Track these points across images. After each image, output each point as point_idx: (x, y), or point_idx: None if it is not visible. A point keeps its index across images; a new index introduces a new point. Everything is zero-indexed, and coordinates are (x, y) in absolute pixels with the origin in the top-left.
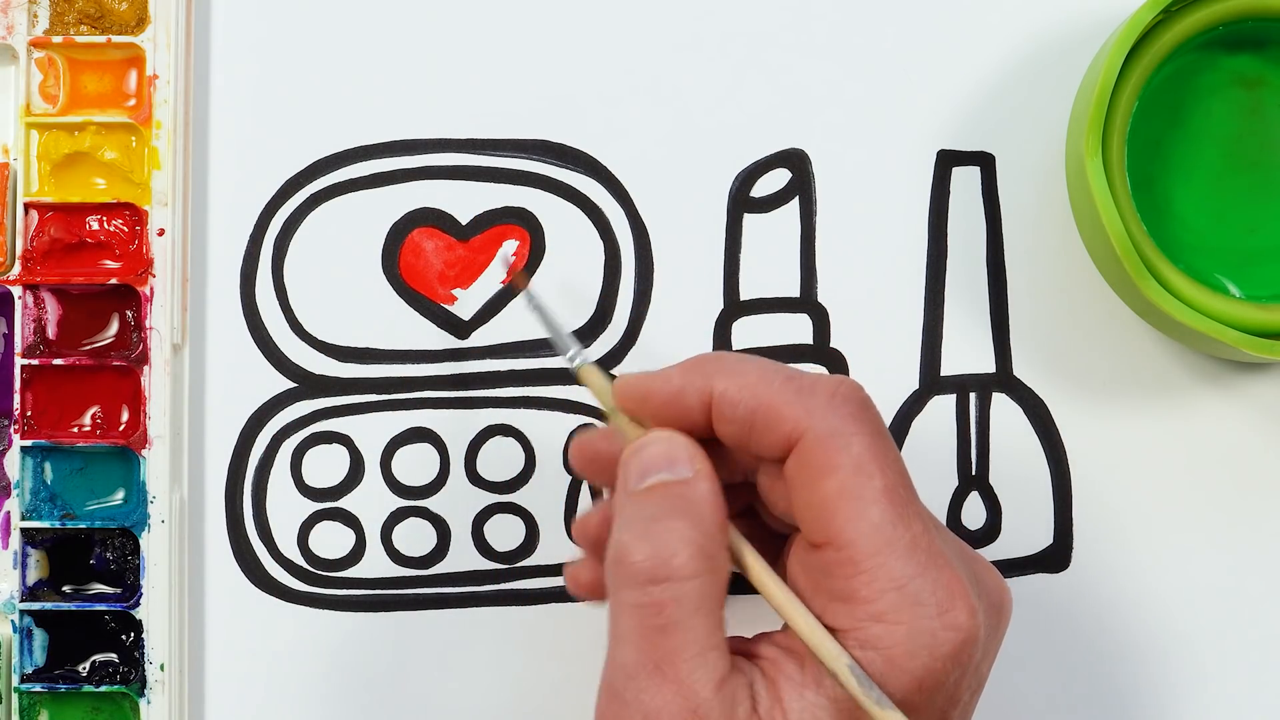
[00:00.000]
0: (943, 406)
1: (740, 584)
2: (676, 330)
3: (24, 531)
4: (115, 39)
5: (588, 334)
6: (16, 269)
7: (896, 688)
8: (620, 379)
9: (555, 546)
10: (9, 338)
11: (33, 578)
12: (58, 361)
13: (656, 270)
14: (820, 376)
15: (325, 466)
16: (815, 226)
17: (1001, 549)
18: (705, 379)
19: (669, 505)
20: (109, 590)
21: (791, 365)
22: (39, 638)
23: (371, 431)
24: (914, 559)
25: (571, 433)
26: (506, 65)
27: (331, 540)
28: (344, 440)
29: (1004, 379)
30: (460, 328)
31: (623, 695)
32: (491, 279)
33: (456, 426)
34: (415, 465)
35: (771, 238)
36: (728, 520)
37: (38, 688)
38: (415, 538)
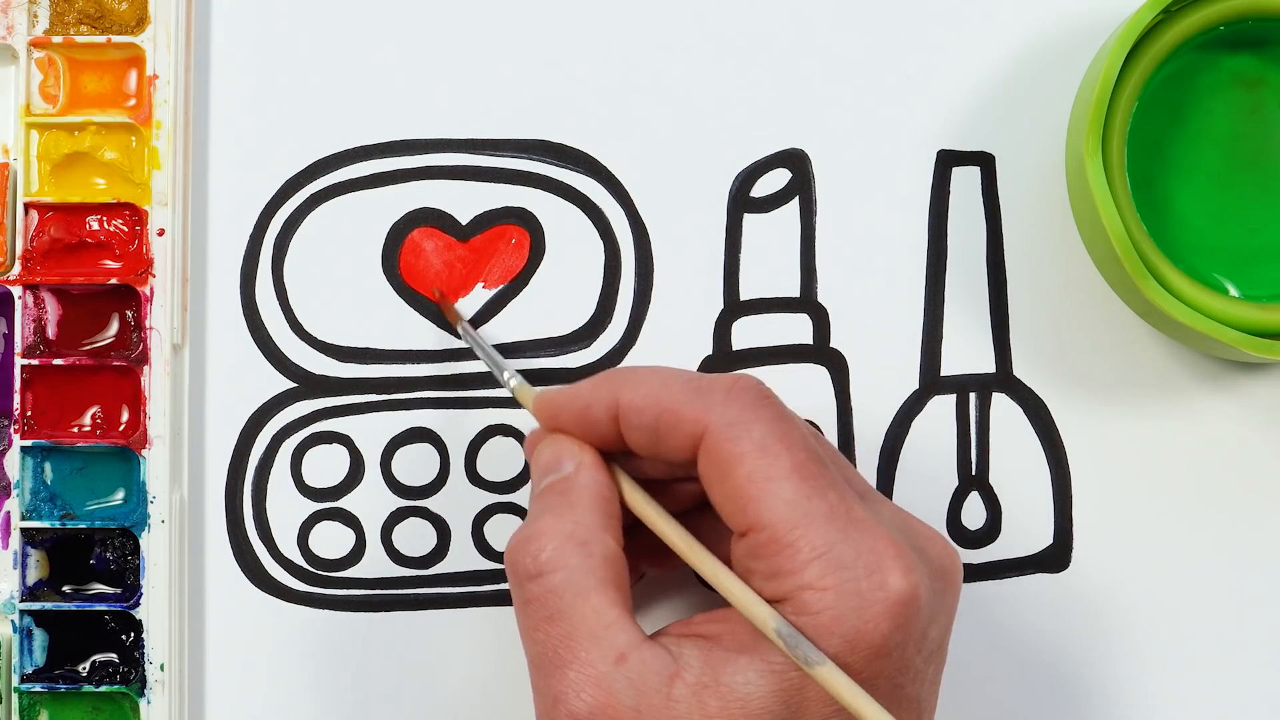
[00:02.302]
0: (943, 406)
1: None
2: (676, 330)
3: (24, 531)
4: (115, 39)
5: (588, 334)
6: (16, 269)
7: (827, 651)
8: (536, 396)
9: None
10: (9, 338)
11: (33, 578)
12: (58, 361)
13: (656, 270)
14: (718, 375)
15: (325, 466)
16: (815, 226)
17: (1001, 549)
18: (611, 392)
19: (547, 503)
20: (109, 590)
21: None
22: (39, 638)
23: (371, 431)
24: (833, 526)
25: None
26: (506, 65)
27: (331, 540)
28: (344, 440)
29: (1004, 379)
30: None
31: (537, 687)
32: (490, 280)
33: (456, 426)
34: (415, 465)
35: (771, 238)
36: (616, 505)
37: (38, 688)
38: (415, 538)
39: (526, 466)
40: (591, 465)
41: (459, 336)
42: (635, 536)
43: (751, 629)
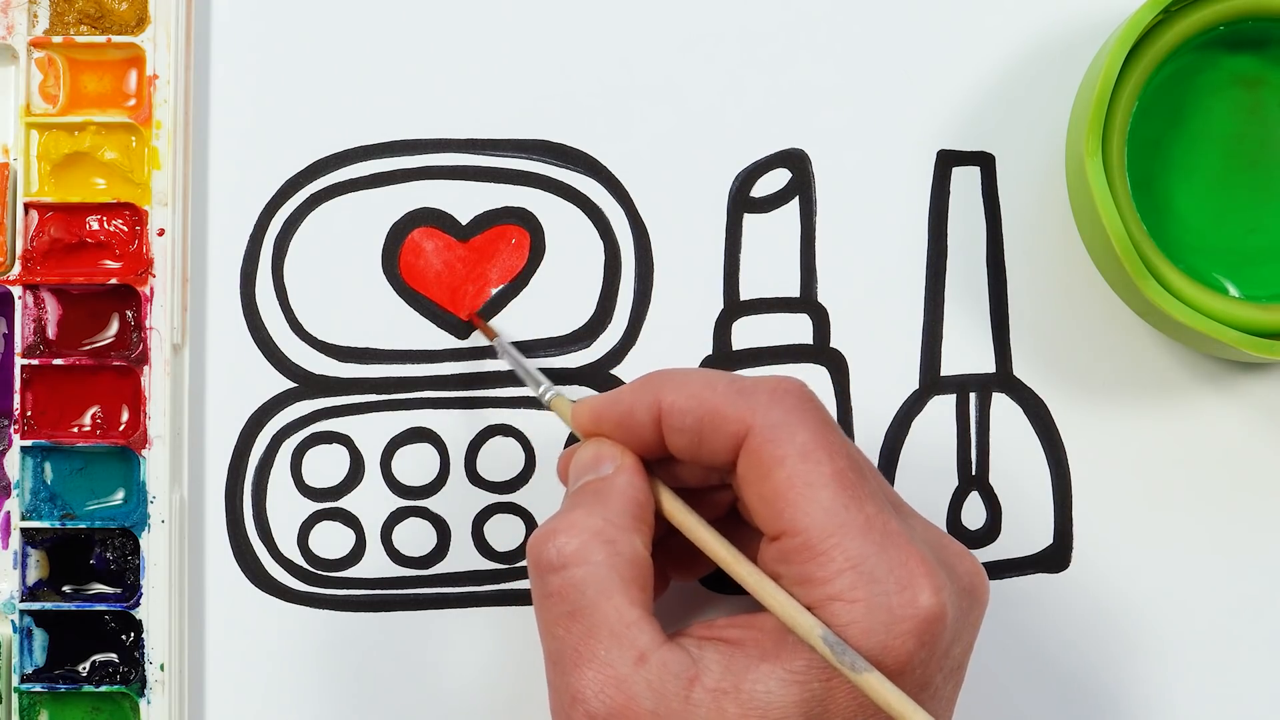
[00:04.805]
0: (943, 406)
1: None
2: (676, 330)
3: (24, 531)
4: (115, 39)
5: (588, 334)
6: (16, 269)
7: None
8: (576, 405)
9: None
10: (9, 338)
11: (33, 578)
12: (58, 361)
13: (656, 270)
14: (762, 377)
15: (325, 466)
16: (815, 226)
17: (1001, 549)
18: (653, 394)
19: (580, 500)
20: (109, 590)
21: (740, 372)
22: (39, 638)
23: (371, 431)
24: (869, 539)
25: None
26: (506, 65)
27: (331, 540)
28: (344, 440)
29: (1004, 379)
30: (460, 328)
31: (554, 683)
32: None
33: (456, 426)
34: (415, 465)
35: (771, 238)
36: (650, 510)
37: (38, 688)
38: (415, 538)
39: (527, 466)
40: (630, 469)
41: (495, 352)
42: (662, 547)
43: (774, 636)
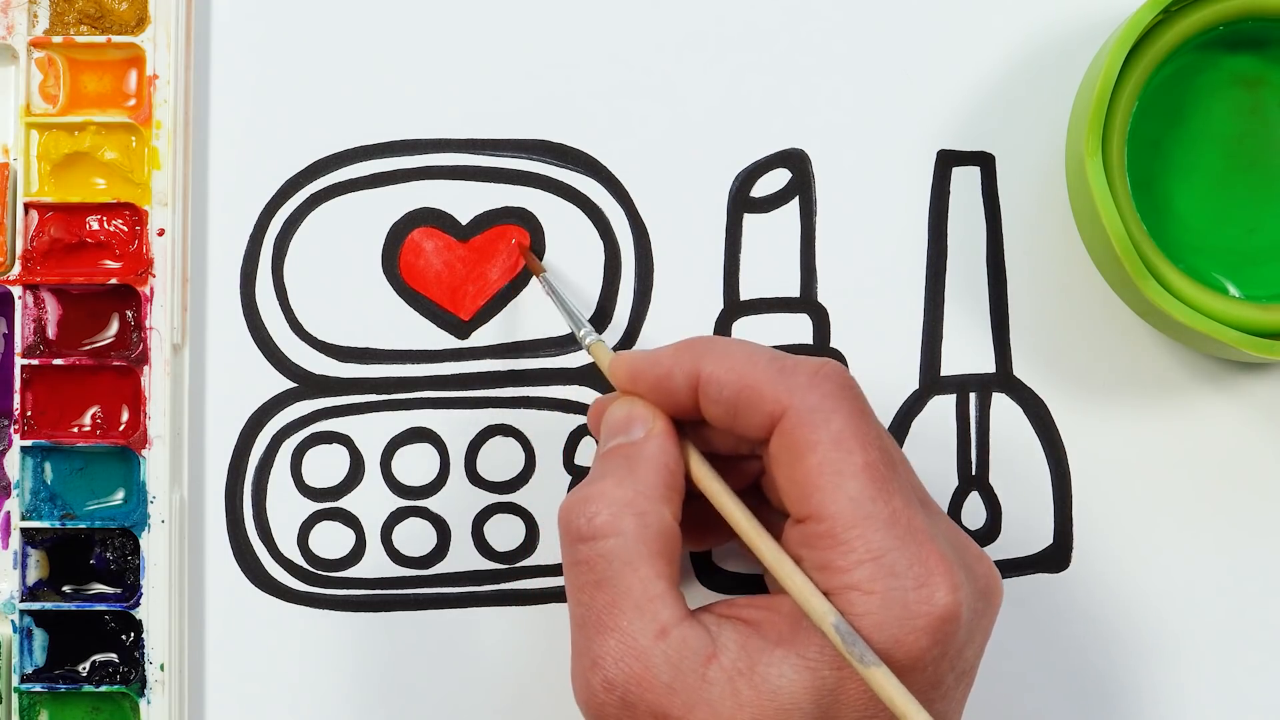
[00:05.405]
0: (943, 406)
1: (753, 584)
2: (676, 330)
3: (24, 531)
4: (115, 39)
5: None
6: (16, 269)
7: None
8: (614, 357)
9: (555, 546)
10: (9, 338)
11: (33, 578)
12: (58, 361)
13: (656, 270)
14: (804, 358)
15: (325, 466)
16: (815, 226)
17: (1001, 549)
18: (693, 361)
19: (611, 466)
20: (109, 590)
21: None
22: (39, 638)
23: (371, 431)
24: (892, 532)
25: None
26: (506, 65)
27: (331, 540)
28: (344, 440)
29: (1004, 379)
30: (460, 328)
31: (576, 645)
32: (499, 276)
33: (456, 426)
34: (415, 465)
35: (771, 238)
36: (680, 478)
37: (38, 688)
38: (415, 538)
39: (527, 466)
40: (661, 434)
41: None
42: (683, 512)
43: (791, 621)
